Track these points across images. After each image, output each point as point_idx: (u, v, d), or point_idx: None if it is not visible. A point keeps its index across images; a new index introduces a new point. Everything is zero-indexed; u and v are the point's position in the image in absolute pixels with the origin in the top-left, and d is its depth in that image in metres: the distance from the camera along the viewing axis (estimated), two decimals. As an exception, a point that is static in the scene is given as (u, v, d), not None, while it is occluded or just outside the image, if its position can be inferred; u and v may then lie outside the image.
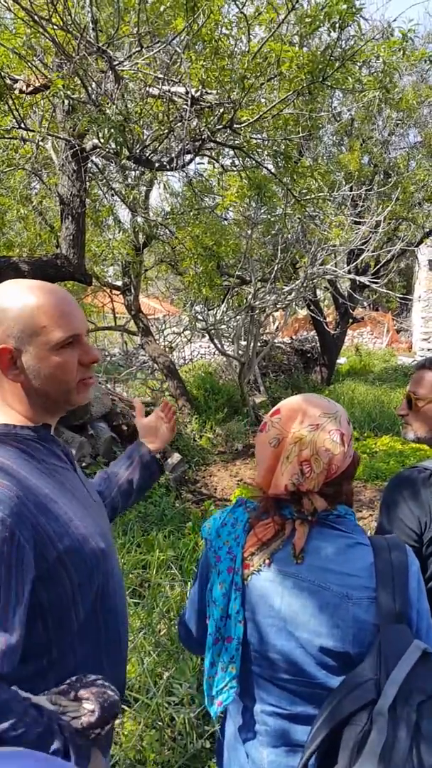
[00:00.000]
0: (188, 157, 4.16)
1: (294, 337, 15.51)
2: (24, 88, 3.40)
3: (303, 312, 13.74)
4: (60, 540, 1.06)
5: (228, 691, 1.18)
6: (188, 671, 2.80)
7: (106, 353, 11.50)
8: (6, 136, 3.82)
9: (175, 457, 6.55)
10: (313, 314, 11.04)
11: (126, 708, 2.67)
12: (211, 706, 1.20)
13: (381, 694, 0.99)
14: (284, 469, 1.16)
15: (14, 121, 3.36)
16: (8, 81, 3.30)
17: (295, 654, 1.12)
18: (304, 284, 8.35)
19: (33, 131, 3.66)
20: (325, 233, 7.42)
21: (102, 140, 3.35)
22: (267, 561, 1.16)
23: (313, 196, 5.71)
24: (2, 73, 3.19)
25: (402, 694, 0.98)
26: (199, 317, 8.82)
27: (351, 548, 1.14)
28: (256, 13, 3.98)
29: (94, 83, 3.44)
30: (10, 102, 3.23)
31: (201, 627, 1.30)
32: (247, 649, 1.18)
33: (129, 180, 5.38)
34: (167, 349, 9.19)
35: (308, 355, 13.56)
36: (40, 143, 3.99)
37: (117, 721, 2.61)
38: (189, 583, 3.60)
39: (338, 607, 1.10)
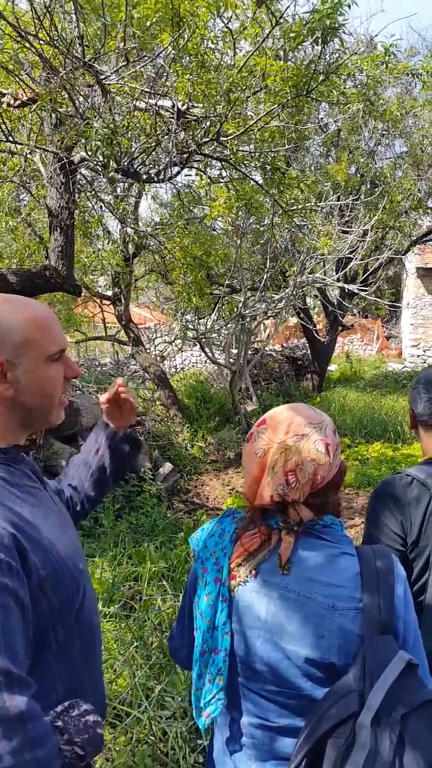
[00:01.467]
0: (176, 169, 4.20)
1: (285, 345, 15.58)
2: (11, 101, 3.43)
3: (293, 320, 13.80)
4: (43, 566, 1.06)
5: (216, 703, 1.17)
6: (180, 684, 2.79)
7: (97, 363, 11.49)
8: (-7, 149, 3.85)
9: (167, 466, 6.55)
10: (303, 322, 11.10)
11: (117, 723, 2.65)
12: (199, 718, 1.20)
13: (364, 706, 0.99)
14: (270, 480, 1.16)
15: (2, 134, 3.38)
16: (-5, 95, 3.33)
17: (281, 665, 1.12)
18: (294, 292, 8.41)
19: (21, 144, 3.68)
20: (314, 242, 7.48)
21: (90, 153, 3.37)
22: (253, 572, 1.16)
23: (300, 206, 5.76)
24: (-11, 88, 3.22)
25: (385, 706, 0.97)
26: (190, 326, 8.85)
27: (337, 558, 1.14)
28: (242, 28, 4.03)
29: (81, 97, 3.47)
30: (-2, 116, 3.26)
31: (189, 640, 1.29)
32: (234, 661, 1.17)
33: (118, 191, 5.41)
34: (158, 359, 9.21)
35: (299, 363, 13.61)
36: (28, 156, 4.01)
37: (108, 736, 2.60)
38: (180, 596, 3.59)
39: (324, 617, 1.09)
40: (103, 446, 1.57)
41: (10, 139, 3.43)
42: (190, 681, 2.82)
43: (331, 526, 1.18)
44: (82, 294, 5.86)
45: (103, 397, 1.57)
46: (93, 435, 1.61)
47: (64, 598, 1.11)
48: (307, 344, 12.88)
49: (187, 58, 3.99)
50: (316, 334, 11.54)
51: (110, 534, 4.71)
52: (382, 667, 1.02)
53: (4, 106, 3.44)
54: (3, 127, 3.26)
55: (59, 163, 3.63)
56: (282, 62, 3.93)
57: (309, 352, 12.67)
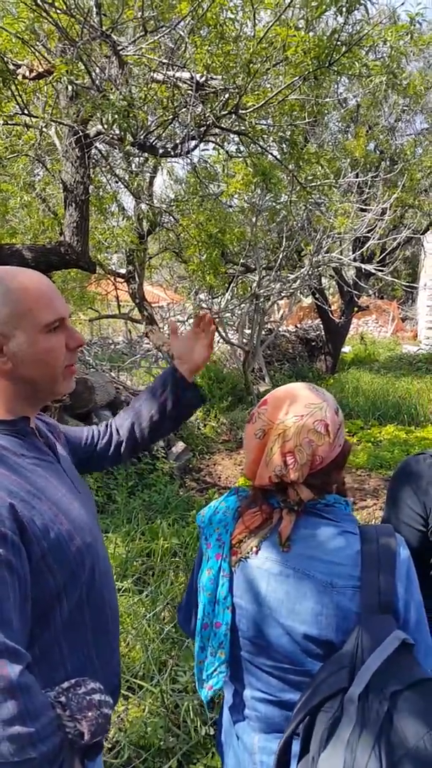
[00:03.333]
0: (193, 143, 4.13)
1: (299, 325, 15.48)
2: (27, 73, 3.37)
3: (308, 300, 13.69)
4: (45, 537, 1.05)
5: (217, 676, 1.20)
6: (191, 659, 2.82)
7: (110, 341, 11.49)
8: (9, 122, 3.79)
9: (180, 445, 6.57)
10: (318, 302, 11.00)
11: (130, 695, 2.69)
12: (201, 690, 1.22)
13: (354, 681, 0.99)
14: (268, 461, 1.16)
15: (17, 107, 3.33)
16: (11, 66, 3.27)
17: (281, 641, 1.14)
18: (309, 272, 8.32)
19: (36, 117, 3.63)
20: (331, 221, 7.37)
21: (106, 126, 3.32)
22: (255, 548, 1.18)
23: (318, 182, 5.66)
24: (5, 59, 3.16)
25: (376, 683, 0.98)
26: (204, 305, 8.80)
27: (338, 536, 1.14)
28: (262, -3, 3.92)
29: (97, 68, 3.41)
30: (13, 88, 3.20)
31: (197, 612, 1.31)
32: (235, 635, 1.19)
33: (133, 166, 5.34)
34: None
35: (313, 344, 13.52)
36: (44, 129, 3.96)
37: (121, 707, 2.64)
38: (192, 572, 3.62)
39: (322, 594, 1.10)
40: (168, 391, 1.54)
41: (26, 112, 3.38)
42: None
43: (333, 505, 1.19)
44: (96, 271, 5.82)
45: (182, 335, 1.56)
46: (159, 380, 1.57)
47: (69, 572, 1.10)
48: (321, 325, 12.77)
49: (206, 29, 3.90)
50: (330, 315, 11.44)
51: (123, 510, 4.74)
52: (376, 645, 1.02)
53: (20, 78, 3.38)
54: (18, 99, 3.21)
55: (75, 137, 3.57)
56: (303, 33, 3.83)
57: (323, 333, 12.57)
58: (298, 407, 1.16)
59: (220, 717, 1.37)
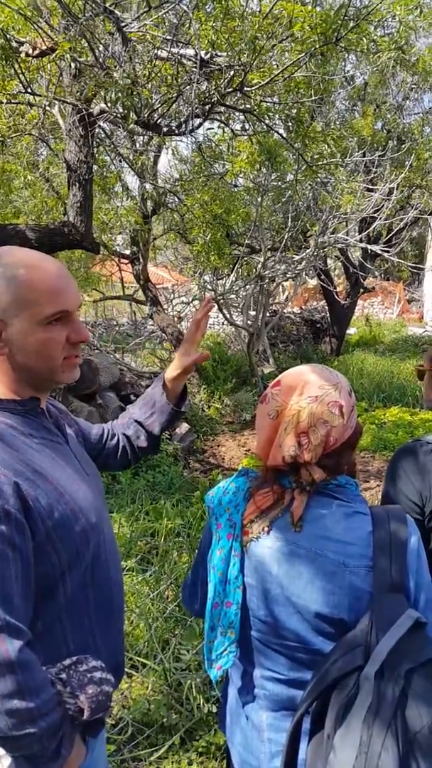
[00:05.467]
0: (197, 121, 4.08)
1: (303, 307, 15.40)
2: (30, 51, 3.32)
3: (313, 282, 13.61)
4: (49, 516, 1.06)
5: (227, 656, 1.20)
6: (194, 638, 2.85)
7: (115, 323, 11.47)
8: (12, 101, 3.75)
9: (184, 427, 6.59)
10: (323, 284, 10.94)
11: (134, 673, 2.73)
12: (210, 670, 1.23)
13: (369, 660, 1.00)
14: (282, 441, 1.16)
15: (20, 85, 3.29)
16: (14, 44, 3.23)
17: (292, 620, 1.14)
18: (315, 253, 8.25)
19: (39, 96, 3.59)
20: (337, 200, 7.29)
21: (109, 104, 3.28)
22: (266, 528, 1.18)
23: (325, 161, 5.59)
24: (7, 36, 3.12)
25: (390, 661, 0.99)
26: (208, 287, 8.76)
27: (350, 517, 1.15)
28: (268, -30, 3.84)
29: (101, 46, 3.35)
30: (16, 66, 3.16)
31: (202, 591, 1.32)
32: (246, 615, 1.20)
33: (137, 145, 5.28)
34: (176, 319, 9.16)
35: (318, 326, 13.47)
36: (47, 108, 3.91)
37: (125, 685, 2.68)
38: (197, 551, 3.65)
39: (335, 574, 1.11)
40: (158, 410, 1.56)
41: (29, 90, 3.34)
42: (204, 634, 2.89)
43: (345, 486, 1.20)
44: (101, 252, 5.79)
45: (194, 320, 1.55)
46: (149, 398, 1.58)
47: (73, 552, 1.11)
48: (326, 307, 12.71)
49: (211, 4, 3.83)
50: (336, 297, 11.37)
51: (128, 491, 4.78)
52: (390, 624, 1.03)
53: (23, 56, 3.33)
54: (21, 77, 3.17)
55: (78, 115, 3.53)
56: (310, 7, 3.76)
57: (328, 314, 12.51)
58: (313, 388, 1.16)
59: (225, 696, 1.38)
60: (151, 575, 3.45)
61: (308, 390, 1.16)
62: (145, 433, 1.56)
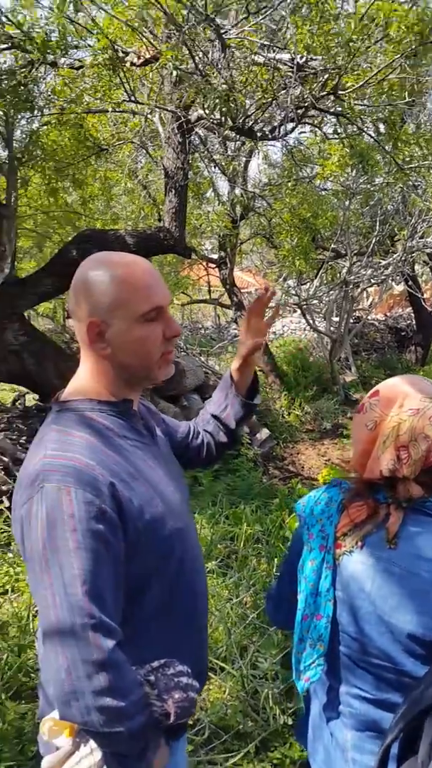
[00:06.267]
0: (290, 125, 4.12)
1: (388, 314, 15.03)
2: (135, 60, 3.48)
3: (399, 288, 13.26)
4: (140, 519, 1.07)
5: (315, 668, 1.18)
6: (273, 647, 2.82)
7: (200, 326, 11.65)
8: (116, 109, 3.94)
9: (264, 432, 6.59)
10: (410, 290, 10.64)
11: (212, 676, 2.72)
12: (298, 681, 1.21)
13: None
14: (380, 454, 1.14)
15: (125, 94, 3.45)
16: (120, 54, 3.39)
17: (382, 639, 1.11)
18: (403, 258, 8.06)
19: (142, 104, 3.74)
20: (427, 204, 7.10)
21: (207, 111, 3.38)
22: (359, 543, 1.15)
23: (416, 164, 5.48)
24: (115, 47, 3.28)
25: None
26: (292, 292, 8.74)
27: None
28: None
29: (201, 53, 3.47)
30: (122, 74, 3.32)
31: (289, 603, 1.29)
32: (335, 629, 1.17)
33: (229, 151, 5.38)
34: (259, 324, 9.15)
35: (402, 334, 13.09)
36: (148, 116, 4.08)
37: (203, 687, 2.69)
38: (276, 559, 3.63)
39: (429, 594, 1.07)
40: (230, 406, 1.56)
41: (133, 98, 3.49)
42: (282, 644, 2.84)
43: None
44: (191, 257, 5.93)
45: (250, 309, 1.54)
46: (221, 391, 1.58)
47: (161, 555, 1.12)
48: (412, 314, 12.34)
49: (307, 7, 3.86)
50: (423, 304, 11.03)
51: (208, 493, 4.82)
52: None
53: (128, 65, 3.50)
54: (126, 86, 3.33)
55: (177, 123, 3.66)
56: (406, 7, 3.71)
57: (414, 322, 12.15)
58: (413, 401, 1.14)
59: (307, 710, 1.34)
60: (230, 579, 3.46)
61: (408, 402, 1.14)
62: (223, 427, 1.56)
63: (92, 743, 1.01)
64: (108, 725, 0.95)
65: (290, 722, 2.44)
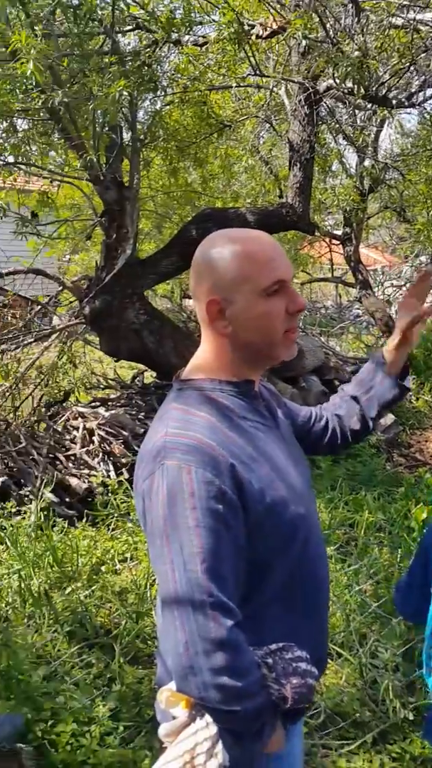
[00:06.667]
0: (430, 91, 3.80)
1: None
2: (261, 32, 3.35)
3: None
4: (261, 501, 1.04)
5: None
6: (395, 638, 2.72)
7: (321, 305, 11.39)
8: (241, 84, 3.84)
9: (389, 417, 6.29)
10: None
11: (329, 661, 2.69)
12: (429, 677, 1.18)
13: None
14: None
15: (250, 68, 3.35)
16: (246, 27, 3.28)
17: None
18: None
19: (268, 77, 3.62)
20: None
21: (338, 80, 3.19)
22: None
23: None
24: (240, 19, 3.18)
25: None
26: (424, 268, 8.22)
27: None
28: None
29: (332, 19, 3.27)
30: (246, 48, 3.22)
31: (420, 594, 1.26)
32: None
33: (358, 121, 5.10)
34: (385, 304, 8.78)
35: None
36: (273, 89, 3.95)
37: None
38: (400, 549, 3.49)
39: None
40: (377, 386, 1.45)
41: (257, 72, 3.38)
42: (405, 636, 2.74)
43: None
44: (314, 233, 5.74)
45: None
46: (367, 371, 1.48)
47: (282, 540, 1.09)
48: None
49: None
50: None
51: (327, 477, 4.73)
52: None
53: (253, 38, 3.38)
54: (251, 60, 3.22)
55: (304, 94, 3.51)
56: None
57: None
58: None
59: None
60: (349, 566, 3.38)
61: None
62: (360, 411, 1.46)
63: (208, 717, 1.02)
64: (225, 703, 0.96)
65: (411, 717, 2.36)
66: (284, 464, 1.16)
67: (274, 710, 1.03)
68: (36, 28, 2.48)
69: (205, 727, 1.01)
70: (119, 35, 3.21)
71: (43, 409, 4.91)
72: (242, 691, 0.96)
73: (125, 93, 2.60)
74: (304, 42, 3.25)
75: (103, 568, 3.26)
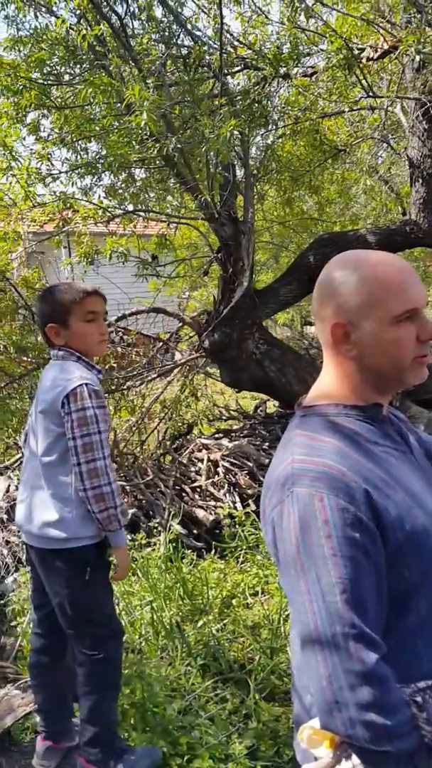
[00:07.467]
0: None
1: None
2: (371, 54, 3.31)
3: None
4: (400, 529, 0.99)
5: None
6: None
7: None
8: (354, 108, 3.80)
9: None
10: None
11: None
12: None
13: None
14: None
15: (362, 90, 3.30)
16: (355, 51, 3.26)
17: None
18: None
19: (381, 97, 3.55)
20: None
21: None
22: None
23: None
24: (349, 45, 3.15)
25: None
26: None
27: None
28: None
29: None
30: (357, 72, 3.18)
31: None
32: None
33: None
34: None
35: None
36: (389, 108, 3.86)
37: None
38: None
39: None
40: None
41: (371, 94, 3.32)
42: None
43: None
44: (442, 249, 5.47)
45: None
46: None
47: (426, 568, 1.02)
48: None
49: None
50: None
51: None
52: None
53: (364, 60, 3.33)
54: (363, 83, 3.17)
55: (421, 109, 3.39)
56: None
57: None
58: None
59: None
60: None
61: None
62: None
63: (355, 759, 0.96)
64: (375, 743, 0.90)
65: None
66: (421, 492, 1.10)
67: (428, 754, 0.94)
68: (148, 81, 2.62)
69: None
70: (228, 77, 3.31)
71: (168, 442, 5.04)
72: (393, 729, 0.90)
73: (236, 132, 2.66)
74: (417, 57, 3.15)
75: (233, 602, 3.23)
